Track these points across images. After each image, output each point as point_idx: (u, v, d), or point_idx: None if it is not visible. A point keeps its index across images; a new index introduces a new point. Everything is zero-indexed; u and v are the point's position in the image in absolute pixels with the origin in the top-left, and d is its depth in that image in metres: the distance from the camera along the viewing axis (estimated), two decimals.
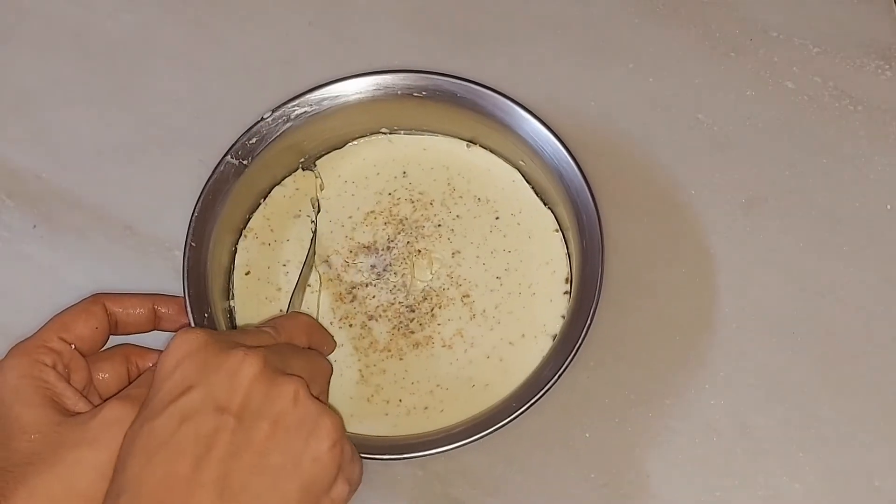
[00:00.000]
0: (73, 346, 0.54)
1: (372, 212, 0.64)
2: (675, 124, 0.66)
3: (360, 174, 0.65)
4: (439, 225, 0.63)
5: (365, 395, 0.60)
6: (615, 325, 0.61)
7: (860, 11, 0.68)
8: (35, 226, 0.65)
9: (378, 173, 0.65)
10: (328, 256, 0.63)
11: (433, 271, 0.62)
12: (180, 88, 0.68)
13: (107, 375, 0.56)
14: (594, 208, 0.59)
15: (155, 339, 0.58)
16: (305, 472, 0.45)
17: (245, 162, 0.61)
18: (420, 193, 0.64)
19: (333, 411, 0.48)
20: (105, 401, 0.50)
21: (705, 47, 0.68)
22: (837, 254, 0.63)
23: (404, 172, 0.64)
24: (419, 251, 0.62)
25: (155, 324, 0.58)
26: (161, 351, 0.56)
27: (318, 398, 0.48)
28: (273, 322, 0.54)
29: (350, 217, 0.64)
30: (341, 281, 0.62)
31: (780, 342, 0.61)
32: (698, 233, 0.64)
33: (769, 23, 0.68)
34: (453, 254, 0.62)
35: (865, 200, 0.64)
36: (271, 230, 0.63)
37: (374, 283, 0.62)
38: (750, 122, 0.66)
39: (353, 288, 0.62)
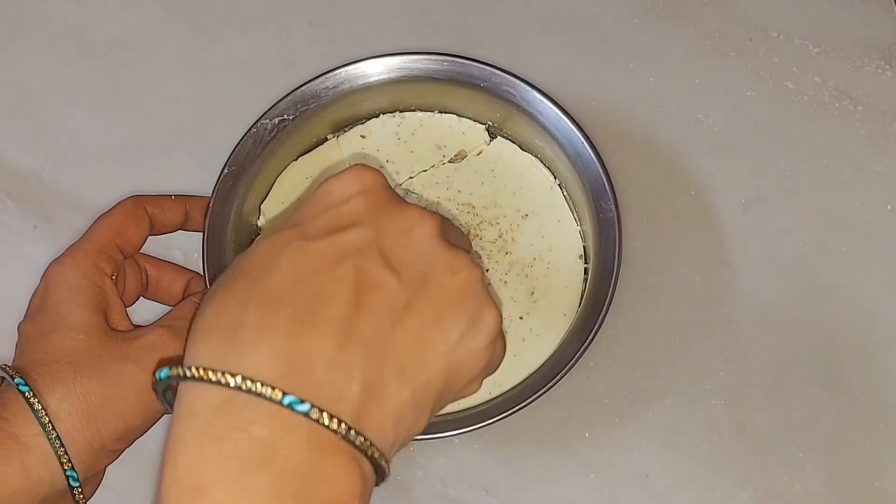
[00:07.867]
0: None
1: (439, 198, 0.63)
2: (675, 124, 0.66)
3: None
4: (482, 248, 0.62)
5: None
6: (615, 325, 0.61)
7: (860, 11, 0.68)
8: (36, 226, 0.65)
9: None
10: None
11: None
12: (180, 88, 0.68)
13: (127, 279, 0.57)
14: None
15: None
16: (455, 359, 0.40)
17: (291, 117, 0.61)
18: (484, 208, 0.63)
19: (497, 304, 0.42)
20: (149, 325, 0.51)
21: (705, 47, 0.68)
22: (837, 254, 0.63)
23: (494, 174, 0.63)
24: None
25: (182, 225, 0.59)
26: (164, 261, 0.60)
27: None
28: None
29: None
30: None
31: (780, 342, 0.61)
32: (698, 233, 0.64)
33: (769, 23, 0.68)
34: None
35: (865, 200, 0.64)
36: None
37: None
38: (750, 122, 0.66)
39: None
